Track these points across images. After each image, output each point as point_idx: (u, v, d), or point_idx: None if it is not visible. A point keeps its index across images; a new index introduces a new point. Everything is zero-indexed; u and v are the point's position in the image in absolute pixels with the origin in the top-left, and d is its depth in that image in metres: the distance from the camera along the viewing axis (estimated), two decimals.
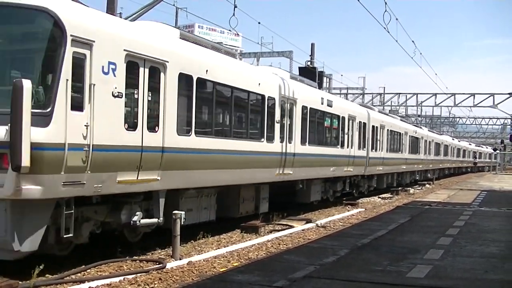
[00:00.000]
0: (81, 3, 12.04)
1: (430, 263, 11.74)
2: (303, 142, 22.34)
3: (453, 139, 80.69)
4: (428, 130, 58.44)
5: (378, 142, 33.87)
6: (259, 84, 18.96)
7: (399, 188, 40.35)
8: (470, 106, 63.75)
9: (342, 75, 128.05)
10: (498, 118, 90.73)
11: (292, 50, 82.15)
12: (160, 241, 15.37)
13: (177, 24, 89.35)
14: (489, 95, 59.00)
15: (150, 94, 13.24)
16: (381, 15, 26.41)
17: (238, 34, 73.15)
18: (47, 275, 11.97)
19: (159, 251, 14.96)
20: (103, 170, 11.80)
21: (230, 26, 24.94)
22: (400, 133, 40.21)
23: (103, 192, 12.04)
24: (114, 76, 12.03)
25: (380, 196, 35.40)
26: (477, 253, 13.31)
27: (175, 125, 14.05)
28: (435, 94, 61.70)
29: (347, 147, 28.15)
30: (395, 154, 38.80)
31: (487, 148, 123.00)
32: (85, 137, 11.25)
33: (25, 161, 10.01)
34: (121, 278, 10.90)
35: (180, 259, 13.13)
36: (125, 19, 17.43)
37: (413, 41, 44.44)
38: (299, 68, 39.03)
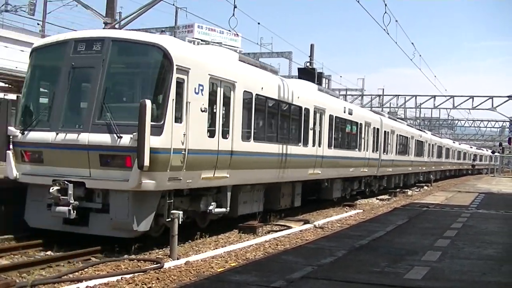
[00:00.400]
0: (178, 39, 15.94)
1: (427, 265, 11.74)
2: (329, 146, 25.94)
3: (454, 142, 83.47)
4: (432, 134, 62.03)
5: (389, 145, 37.63)
6: (298, 97, 22.45)
7: (397, 189, 40.42)
8: (469, 109, 63.70)
9: (341, 76, 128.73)
10: (496, 121, 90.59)
11: (292, 50, 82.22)
12: (158, 241, 15.38)
13: (176, 24, 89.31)
14: (488, 97, 58.97)
15: (223, 109, 16.63)
16: (380, 16, 26.46)
17: (237, 35, 73.23)
18: (43, 273, 12.01)
19: (157, 250, 14.96)
20: (193, 169, 15.02)
21: (229, 26, 25.32)
22: (407, 137, 44.10)
23: (192, 186, 15.40)
24: (202, 95, 15.34)
25: (378, 197, 35.44)
26: (475, 255, 13.32)
27: (240, 133, 17.56)
28: (434, 96, 61.64)
29: (364, 150, 31.74)
30: (403, 156, 42.46)
31: (487, 150, 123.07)
32: (182, 143, 14.51)
33: (146, 161, 13.30)
34: (119, 277, 10.91)
35: (177, 259, 13.15)
36: (124, 18, 18.71)
37: (412, 43, 44.69)
38: (298, 69, 39.05)
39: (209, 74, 15.77)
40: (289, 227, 19.56)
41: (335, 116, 26.79)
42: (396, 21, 30.65)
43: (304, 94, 23.36)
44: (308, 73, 34.90)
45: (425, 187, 48.62)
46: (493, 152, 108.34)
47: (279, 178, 21.08)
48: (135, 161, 13.43)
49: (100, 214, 14.17)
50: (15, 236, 15.12)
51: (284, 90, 21.10)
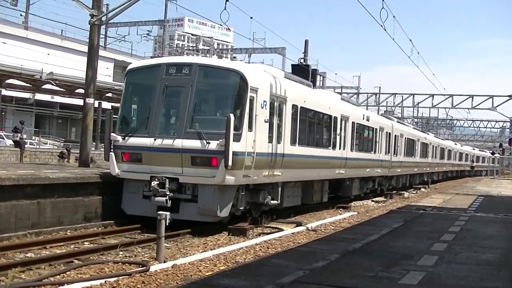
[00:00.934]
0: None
1: (423, 270, 11.73)
2: (352, 149, 30.38)
3: (455, 144, 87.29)
4: (435, 136, 67.04)
5: (398, 148, 42.15)
6: (329, 107, 27.33)
7: (393, 191, 40.50)
8: (468, 108, 64.06)
9: (336, 74, 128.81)
10: (496, 121, 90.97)
11: (285, 46, 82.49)
12: (144, 243, 15.35)
13: (166, 17, 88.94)
14: (488, 97, 59.27)
15: (278, 119, 21.12)
16: (378, 12, 26.47)
17: (229, 29, 73.22)
18: (23, 276, 11.94)
19: (143, 253, 14.92)
20: (258, 168, 19.47)
21: (221, 21, 25.72)
22: (414, 140, 48.90)
23: (256, 182, 19.85)
24: (265, 109, 19.84)
25: (374, 199, 35.48)
26: (473, 260, 13.32)
27: (289, 138, 22.10)
28: (432, 95, 61.92)
29: (378, 153, 36.39)
30: (410, 158, 47.03)
31: (488, 152, 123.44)
32: (252, 148, 18.93)
33: (230, 162, 17.75)
34: (102, 281, 10.86)
35: (164, 262, 13.13)
36: (112, 10, 19.72)
37: (410, 40, 44.55)
38: (292, 65, 39.11)
39: (270, 92, 20.37)
40: (280, 230, 19.56)
41: (356, 123, 31.37)
42: (394, 17, 30.67)
43: (333, 104, 28.38)
44: (302, 70, 34.92)
45: (422, 189, 48.71)
46: (492, 154, 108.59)
47: (315, 177, 25.96)
48: (221, 162, 17.89)
49: (189, 203, 18.56)
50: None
51: (319, 102, 26.19)
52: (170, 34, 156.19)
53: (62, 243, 15.83)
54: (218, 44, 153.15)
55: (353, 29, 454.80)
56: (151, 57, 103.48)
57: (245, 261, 13.20)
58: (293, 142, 22.52)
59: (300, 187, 24.70)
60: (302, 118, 23.58)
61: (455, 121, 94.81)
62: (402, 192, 42.02)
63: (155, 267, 12.24)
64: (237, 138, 18.18)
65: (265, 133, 19.95)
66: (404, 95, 64.15)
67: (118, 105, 24.03)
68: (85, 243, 16.43)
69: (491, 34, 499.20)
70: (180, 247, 15.87)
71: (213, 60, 20.75)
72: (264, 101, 19.87)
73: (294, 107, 22.63)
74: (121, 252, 15.04)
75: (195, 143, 18.28)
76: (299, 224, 20.90)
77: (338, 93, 59.87)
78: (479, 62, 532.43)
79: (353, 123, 30.57)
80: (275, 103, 20.86)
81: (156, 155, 18.73)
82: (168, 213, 13.98)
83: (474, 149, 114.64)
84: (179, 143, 18.46)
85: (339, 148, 28.50)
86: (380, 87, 76.50)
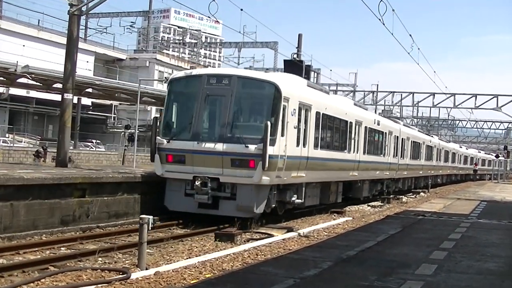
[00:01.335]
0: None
1: (421, 279, 11.77)
2: (364, 152, 33.91)
3: (460, 147, 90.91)
4: (439, 139, 70.58)
5: (405, 151, 45.65)
6: (346, 113, 30.94)
7: (391, 196, 40.60)
8: (471, 108, 64.08)
9: (331, 70, 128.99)
10: (501, 122, 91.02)
11: (277, 41, 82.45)
12: (125, 249, 15.33)
13: (151, 9, 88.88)
14: (492, 96, 59.31)
15: (304, 125, 24.45)
16: (376, 5, 26.50)
17: (218, 21, 73.20)
18: None
19: (124, 259, 14.90)
20: (288, 170, 22.85)
21: (209, 12, 25.87)
22: (419, 143, 52.60)
23: (286, 182, 23.20)
24: (294, 116, 23.21)
25: (370, 204, 35.56)
26: (474, 269, 13.38)
27: (313, 143, 25.42)
28: (433, 94, 61.94)
29: (387, 156, 40.05)
30: (415, 161, 50.78)
31: (492, 154, 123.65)
32: (284, 151, 22.28)
33: (267, 164, 21.05)
34: None
35: (146, 269, 13.10)
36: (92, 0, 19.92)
37: (410, 35, 44.64)
38: (285, 61, 39.12)
39: (298, 101, 23.84)
40: (270, 235, 19.58)
41: (368, 127, 34.99)
42: (393, 10, 30.66)
43: (349, 110, 32.13)
44: (295, 66, 34.94)
45: (422, 194, 48.86)
46: (497, 156, 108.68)
47: (332, 178, 29.41)
48: (259, 164, 21.14)
49: (228, 201, 21.87)
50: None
51: (337, 108, 29.71)
52: (155, 26, 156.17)
53: (36, 248, 15.77)
54: (206, 38, 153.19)
55: (350, 23, 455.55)
56: (135, 51, 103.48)
57: (232, 268, 13.21)
58: (316, 146, 26.00)
59: (319, 188, 27.96)
60: (324, 123, 27.13)
61: (457, 122, 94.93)
62: (400, 196, 42.13)
63: (136, 275, 12.23)
64: (272, 142, 21.53)
65: (294, 138, 23.51)
66: (403, 94, 64.14)
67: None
68: (62, 248, 16.39)
69: (496, 30, 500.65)
70: (163, 253, 15.86)
71: (250, 72, 25.61)
72: (294, 109, 23.35)
73: (317, 113, 26.20)
74: (100, 258, 15.01)
75: (234, 147, 21.70)
76: (290, 229, 20.91)
77: (333, 90, 60.12)
78: (483, 59, 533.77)
79: (365, 127, 34.28)
80: (302, 110, 24.41)
81: (199, 157, 22.05)
82: (151, 217, 13.98)
83: (479, 152, 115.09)
84: (220, 146, 21.79)
85: (353, 152, 32.18)
86: (377, 85, 76.71)
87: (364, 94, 65.92)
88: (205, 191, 21.64)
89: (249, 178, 21.42)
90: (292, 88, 23.89)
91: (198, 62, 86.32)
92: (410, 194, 47.51)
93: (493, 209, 32.73)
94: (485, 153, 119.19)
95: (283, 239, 18.41)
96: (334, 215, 27.72)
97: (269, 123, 21.18)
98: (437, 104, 63.43)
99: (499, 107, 58.76)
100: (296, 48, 47.03)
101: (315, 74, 61.89)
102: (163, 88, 78.39)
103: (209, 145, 21.85)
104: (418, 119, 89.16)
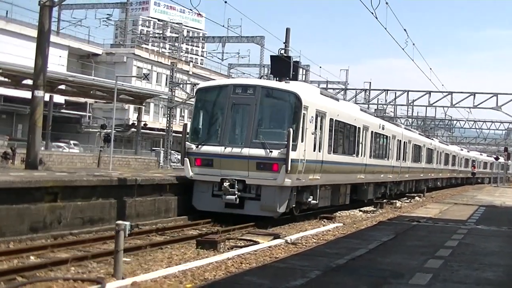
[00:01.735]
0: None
1: None
2: (370, 156, 37.63)
3: (461, 149, 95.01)
4: (439, 142, 75.39)
5: (406, 154, 49.62)
6: (355, 119, 34.86)
7: (384, 200, 40.72)
8: (470, 107, 64.26)
9: (320, 67, 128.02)
10: (501, 122, 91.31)
11: (264, 35, 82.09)
12: (100, 257, 15.27)
13: (128, 0, 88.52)
14: (492, 95, 59.45)
15: (319, 131, 28.07)
16: None
17: (200, 15, 72.93)
18: None
19: (98, 269, 14.85)
20: (306, 173, 26.34)
21: (191, 5, 26.06)
22: (420, 146, 56.66)
23: (304, 184, 26.78)
24: (312, 123, 26.81)
25: (362, 209, 35.65)
26: (472, 279, 13.41)
27: (327, 147, 29.10)
28: (429, 92, 62.03)
29: (390, 159, 43.81)
30: (417, 164, 54.73)
31: (492, 156, 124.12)
32: (303, 156, 25.77)
33: (289, 167, 24.55)
34: None
35: (123, 279, 13.07)
36: None
37: (405, 30, 44.47)
38: (271, 56, 39.08)
39: (315, 109, 27.59)
40: (256, 243, 19.59)
41: (374, 132, 38.84)
42: (386, 3, 30.67)
43: (357, 116, 36.00)
44: (282, 62, 34.96)
45: (417, 198, 49.05)
46: (496, 158, 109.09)
47: (342, 180, 33.05)
48: (282, 167, 24.72)
49: (253, 201, 25.46)
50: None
51: (348, 114, 33.63)
52: (133, 19, 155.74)
53: (3, 258, 15.61)
54: (188, 31, 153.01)
55: (341, 17, 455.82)
56: (111, 45, 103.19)
57: (215, 278, 13.21)
58: (329, 151, 29.72)
59: (330, 190, 31.37)
60: (336, 129, 31.01)
61: (455, 122, 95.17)
62: (394, 201, 42.24)
63: (112, 285, 12.20)
64: (294, 148, 25.09)
65: (311, 143, 27.19)
66: (397, 92, 64.12)
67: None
68: (31, 257, 16.25)
69: (495, 24, 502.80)
70: (141, 262, 15.83)
71: (273, 83, 27.80)
72: (312, 117, 27.04)
73: (331, 120, 29.89)
74: (73, 268, 14.93)
75: (259, 152, 25.27)
76: (277, 236, 20.94)
77: (323, 88, 60.31)
78: (482, 55, 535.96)
79: (371, 132, 38.13)
80: (318, 117, 28.06)
81: (226, 161, 25.58)
82: (128, 223, 13.97)
83: (481, 154, 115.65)
84: (246, 151, 25.39)
85: (361, 155, 35.92)
86: (370, 83, 76.64)
87: (356, 92, 65.88)
88: (233, 192, 25.12)
89: (273, 180, 25.06)
90: (310, 97, 27.87)
91: (179, 57, 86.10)
92: (404, 198, 47.66)
93: (492, 214, 32.87)
94: (486, 155, 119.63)
95: (269, 247, 18.43)
96: (324, 221, 27.78)
97: (291, 130, 24.79)
98: (433, 103, 63.49)
99: (499, 106, 58.95)
100: (284, 43, 46.92)
101: (304, 71, 61.91)
102: (142, 85, 78.65)
103: (236, 150, 25.54)
104: (413, 119, 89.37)
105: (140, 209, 23.79)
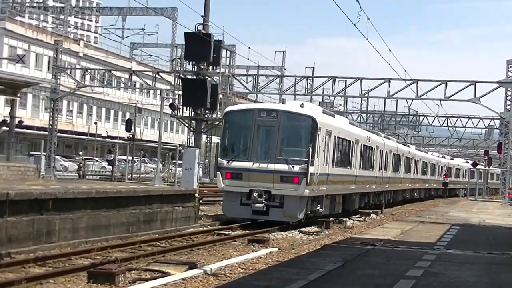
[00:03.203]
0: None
1: None
2: (360, 167, 50.35)
3: (443, 157, 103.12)
4: (416, 149, 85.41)
5: (387, 164, 62.30)
6: (349, 134, 47.31)
7: (331, 218, 41.12)
8: (440, 99, 65.15)
9: (249, 48, 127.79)
10: (481, 118, 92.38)
11: (176, 6, 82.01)
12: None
13: None
14: (468, 83, 60.35)
15: (327, 147, 40.48)
16: None
17: None
18: None
19: None
20: (319, 184, 39.15)
21: None
22: (399, 155, 68.76)
23: (317, 194, 39.54)
24: (323, 141, 39.66)
25: (302, 230, 36.07)
26: None
27: (331, 161, 41.76)
28: (389, 80, 62.64)
29: (374, 170, 56.47)
30: (395, 173, 66.97)
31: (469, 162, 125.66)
32: (317, 170, 38.58)
33: (309, 180, 37.15)
34: None
35: None
36: None
37: (357, 0, 45.09)
38: (186, 34, 39.37)
39: (325, 129, 39.68)
40: (166, 274, 19.63)
41: (363, 144, 51.54)
42: None
43: (351, 131, 49.01)
44: (200, 42, 35.21)
45: (373, 216, 49.52)
46: (474, 165, 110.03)
47: (339, 191, 45.58)
48: (303, 180, 36.52)
49: (276, 209, 36.80)
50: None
51: (346, 130, 46.61)
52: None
53: None
54: (77, 0, 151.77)
55: None
56: None
57: None
58: (333, 164, 42.10)
59: (329, 200, 43.05)
60: (338, 144, 43.65)
61: (421, 118, 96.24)
62: (343, 219, 42.65)
63: None
64: (311, 163, 37.08)
65: (322, 158, 39.47)
66: (348, 80, 64.81)
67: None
68: None
69: None
70: None
71: (294, 108, 39.33)
72: (323, 136, 39.42)
73: (335, 137, 42.53)
74: None
75: (283, 167, 37.17)
76: (193, 265, 21.03)
77: (254, 75, 60.84)
78: (455, 33, 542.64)
79: (361, 145, 50.80)
80: (327, 136, 40.34)
81: (254, 174, 37.24)
82: None
83: (467, 162, 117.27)
84: (272, 166, 37.21)
85: (353, 167, 48.46)
86: (313, 68, 77.85)
87: (295, 80, 66.24)
88: (261, 201, 36.46)
89: (295, 191, 36.79)
90: (324, 119, 40.58)
91: (66, 34, 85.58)
92: (356, 216, 48.27)
93: (468, 235, 33.34)
94: (460, 161, 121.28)
95: (182, 279, 18.59)
96: (254, 245, 27.97)
97: (310, 149, 36.85)
98: (394, 94, 64.31)
99: (477, 97, 59.81)
100: (202, 17, 47.13)
101: (229, 52, 62.06)
102: (16, 70, 77.58)
103: (263, 165, 37.34)
104: (368, 114, 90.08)
105: (14, 232, 23.55)
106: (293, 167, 36.94)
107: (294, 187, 36.80)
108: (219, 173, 38.39)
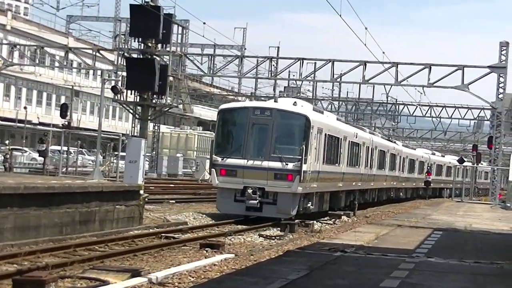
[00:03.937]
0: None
1: None
2: (347, 164, 55.67)
3: (433, 154, 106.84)
4: (403, 145, 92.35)
5: (373, 161, 66.95)
6: (339, 131, 53.01)
7: (296, 221, 41.31)
8: (423, 86, 65.64)
9: (204, 23, 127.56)
10: (469, 108, 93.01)
11: None
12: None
13: None
14: (455, 68, 60.69)
15: (318, 145, 46.95)
16: None
17: None
18: None
19: None
20: (310, 182, 45.46)
21: None
22: (384, 151, 73.76)
23: (308, 191, 45.68)
24: (315, 139, 45.94)
25: (263, 233, 36.19)
26: None
27: (322, 159, 47.98)
28: (364, 63, 63.13)
29: (360, 167, 61.64)
30: (380, 171, 71.82)
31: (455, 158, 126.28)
32: (309, 167, 44.72)
33: (302, 177, 43.06)
34: None
35: None
36: None
37: None
38: (131, 6, 39.42)
39: (317, 127, 45.50)
40: (104, 282, 19.66)
41: (351, 141, 56.80)
42: None
43: (340, 127, 54.42)
44: (147, 16, 35.25)
45: (344, 218, 49.77)
46: (460, 161, 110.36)
47: (328, 188, 50.96)
48: (296, 177, 42.16)
49: (270, 205, 42.49)
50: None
51: (335, 128, 51.99)
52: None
53: None
54: None
55: None
56: None
57: None
58: (323, 162, 47.33)
59: (318, 197, 48.23)
60: (327, 142, 48.84)
61: (401, 107, 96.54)
62: (310, 222, 42.84)
63: None
64: (304, 161, 42.01)
65: (314, 156, 44.72)
66: (318, 62, 65.14)
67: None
68: None
69: None
70: None
71: (287, 105, 44.90)
72: (315, 134, 44.54)
73: (326, 134, 47.87)
74: None
75: (276, 164, 42.19)
76: (136, 273, 21.05)
77: (210, 55, 61.35)
78: (441, 9, 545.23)
79: (349, 142, 56.02)
80: (318, 133, 45.47)
81: (248, 172, 42.28)
82: None
83: (434, 154, 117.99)
84: (266, 163, 42.18)
85: (341, 164, 53.85)
86: (278, 48, 77.71)
87: (257, 61, 66.44)
88: (255, 198, 41.37)
89: (288, 188, 41.82)
90: (316, 117, 45.89)
91: None
92: (325, 218, 48.51)
93: (452, 241, 33.52)
94: (443, 156, 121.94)
95: None
96: (207, 250, 28.05)
97: (304, 147, 41.85)
98: (370, 79, 64.64)
99: (466, 84, 60.25)
100: None
101: (182, 29, 61.97)
102: None
103: (257, 163, 42.32)
104: (340, 102, 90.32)
105: None
106: (287, 164, 42.13)
107: (287, 184, 41.94)
108: (213, 170, 43.33)
